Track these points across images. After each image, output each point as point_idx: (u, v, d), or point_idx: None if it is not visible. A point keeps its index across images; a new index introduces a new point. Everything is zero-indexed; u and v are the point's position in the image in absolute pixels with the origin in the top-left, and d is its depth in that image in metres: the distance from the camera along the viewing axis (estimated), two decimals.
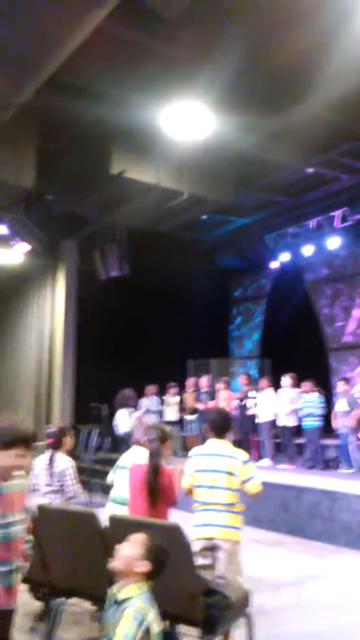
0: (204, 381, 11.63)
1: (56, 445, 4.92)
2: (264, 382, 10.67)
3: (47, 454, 4.90)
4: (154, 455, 3.88)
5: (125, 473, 4.29)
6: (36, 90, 6.79)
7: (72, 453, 11.22)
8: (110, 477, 4.71)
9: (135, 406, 10.52)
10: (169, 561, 2.63)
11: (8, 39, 5.72)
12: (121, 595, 2.53)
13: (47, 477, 4.82)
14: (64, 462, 4.83)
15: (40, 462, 4.91)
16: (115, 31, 6.23)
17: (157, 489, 3.79)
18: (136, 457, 4.35)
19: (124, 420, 9.85)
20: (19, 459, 2.61)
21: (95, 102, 7.73)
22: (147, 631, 2.42)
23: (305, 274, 14.91)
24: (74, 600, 3.88)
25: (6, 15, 5.48)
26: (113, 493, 4.59)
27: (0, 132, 7.82)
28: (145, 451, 4.03)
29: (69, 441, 5.05)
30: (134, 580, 2.54)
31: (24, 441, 2.63)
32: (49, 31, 5.55)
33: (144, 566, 2.54)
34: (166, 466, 3.95)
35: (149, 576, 2.57)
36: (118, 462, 4.67)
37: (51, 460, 4.85)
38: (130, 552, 2.57)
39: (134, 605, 2.46)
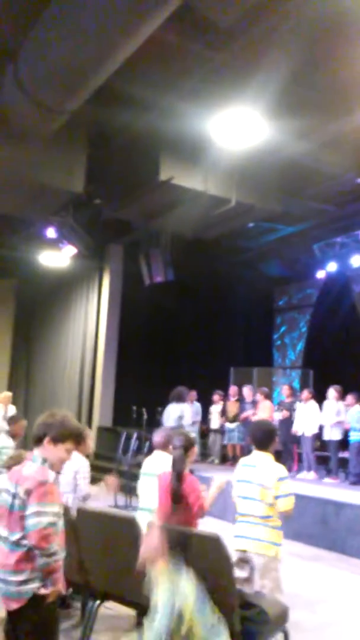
0: (245, 391, 11.52)
1: None
2: (306, 393, 10.50)
3: None
4: (177, 462, 3.87)
5: (149, 481, 4.30)
6: (88, 97, 6.90)
7: (111, 456, 11.19)
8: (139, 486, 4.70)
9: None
10: (208, 573, 2.60)
11: (63, 47, 5.82)
12: None
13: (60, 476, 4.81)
14: (78, 462, 4.76)
15: None
16: (166, 39, 6.26)
17: (180, 496, 3.77)
18: (161, 463, 4.33)
19: (187, 414, 9.42)
20: (68, 453, 2.83)
21: (145, 109, 7.79)
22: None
23: (354, 285, 14.62)
24: (109, 604, 3.89)
25: (61, 24, 5.59)
26: (140, 503, 4.60)
27: (52, 137, 7.97)
28: (168, 457, 4.03)
29: (87, 443, 4.86)
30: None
31: (74, 437, 2.85)
32: (102, 40, 5.61)
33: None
34: (189, 473, 3.93)
35: None
36: (142, 469, 4.66)
37: None
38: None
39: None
